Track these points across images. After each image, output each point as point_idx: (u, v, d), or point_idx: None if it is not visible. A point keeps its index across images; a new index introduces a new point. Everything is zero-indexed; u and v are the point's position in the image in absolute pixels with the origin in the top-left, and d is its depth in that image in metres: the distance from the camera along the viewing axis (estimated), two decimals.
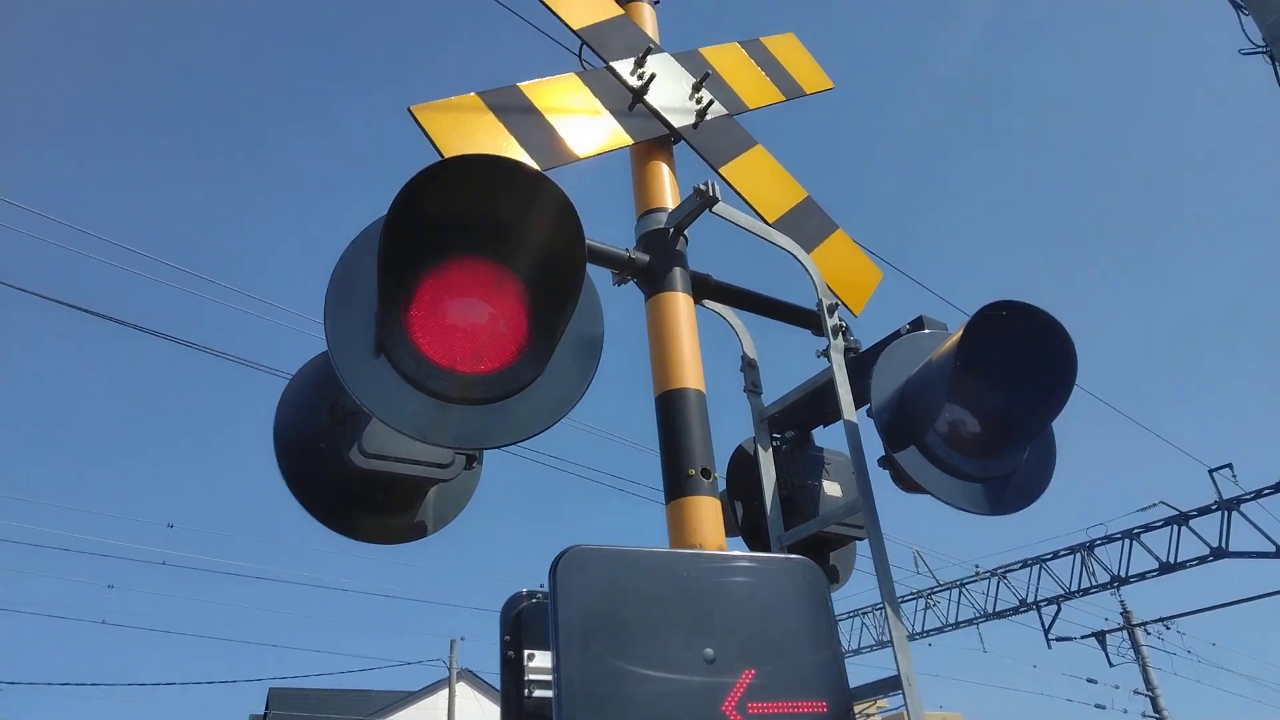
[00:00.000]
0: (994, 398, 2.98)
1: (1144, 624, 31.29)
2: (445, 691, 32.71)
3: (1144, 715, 31.59)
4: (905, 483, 2.92)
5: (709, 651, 2.21)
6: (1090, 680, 34.00)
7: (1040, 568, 22.94)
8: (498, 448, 2.20)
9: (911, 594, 24.08)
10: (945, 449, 2.81)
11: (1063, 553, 22.89)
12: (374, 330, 2.17)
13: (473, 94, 2.92)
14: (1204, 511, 20.46)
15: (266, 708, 43.98)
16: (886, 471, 3.02)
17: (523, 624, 2.52)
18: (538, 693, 2.42)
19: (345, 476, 2.57)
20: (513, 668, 2.46)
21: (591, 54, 3.50)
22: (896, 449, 2.80)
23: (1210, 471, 20.83)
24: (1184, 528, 20.64)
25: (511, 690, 2.43)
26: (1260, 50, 7.95)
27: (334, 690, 40.87)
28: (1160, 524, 21.13)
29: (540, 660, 2.47)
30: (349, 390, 2.12)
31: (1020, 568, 23.33)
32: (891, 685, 2.55)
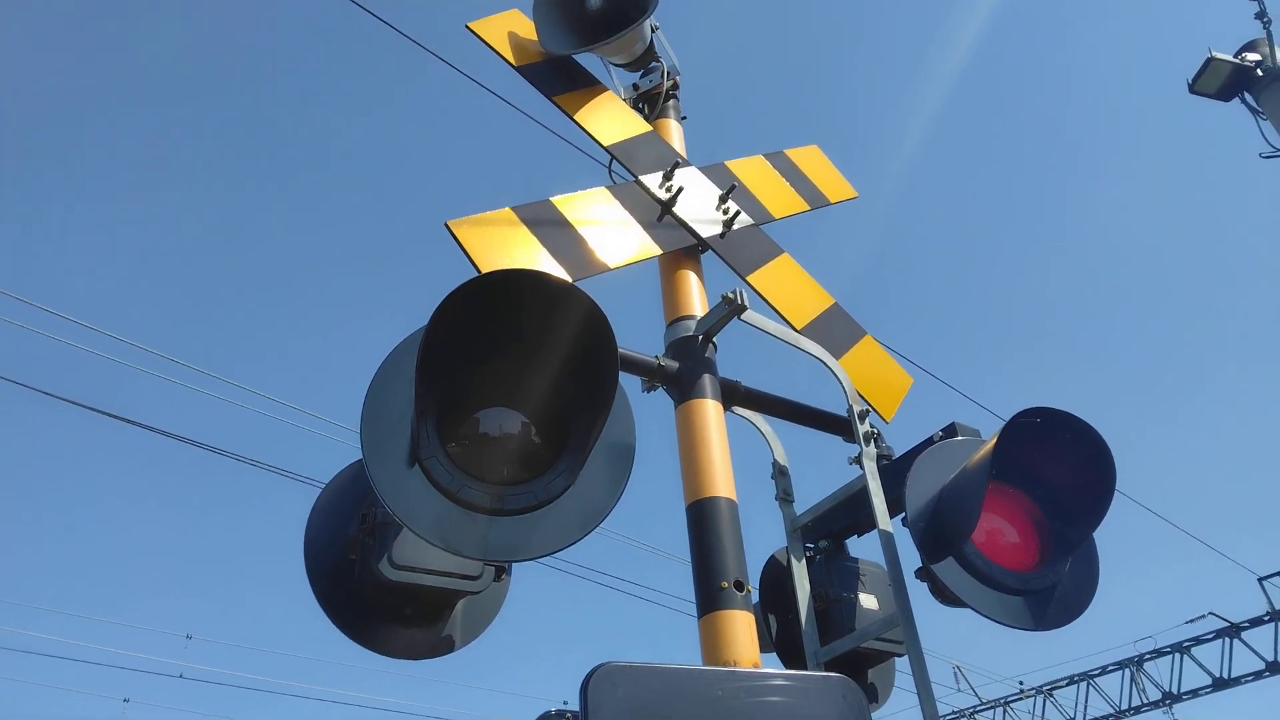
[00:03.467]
0: (1032, 507, 2.92)
1: None
2: None
3: None
4: (944, 596, 2.84)
5: None
6: None
7: (1088, 684, 21.92)
8: (528, 560, 2.18)
9: (953, 713, 23.00)
10: (984, 560, 2.74)
11: (1111, 668, 21.88)
12: (409, 441, 2.19)
13: (507, 209, 3.02)
14: (1256, 623, 19.60)
15: None
16: (924, 583, 2.94)
17: None
18: None
19: (374, 589, 2.55)
20: None
21: (621, 168, 3.63)
22: (934, 560, 2.73)
23: (1260, 580, 20.04)
24: (1236, 640, 19.75)
25: None
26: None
27: None
28: (1211, 636, 20.22)
29: None
30: (382, 500, 2.13)
31: (1067, 684, 22.30)
32: None
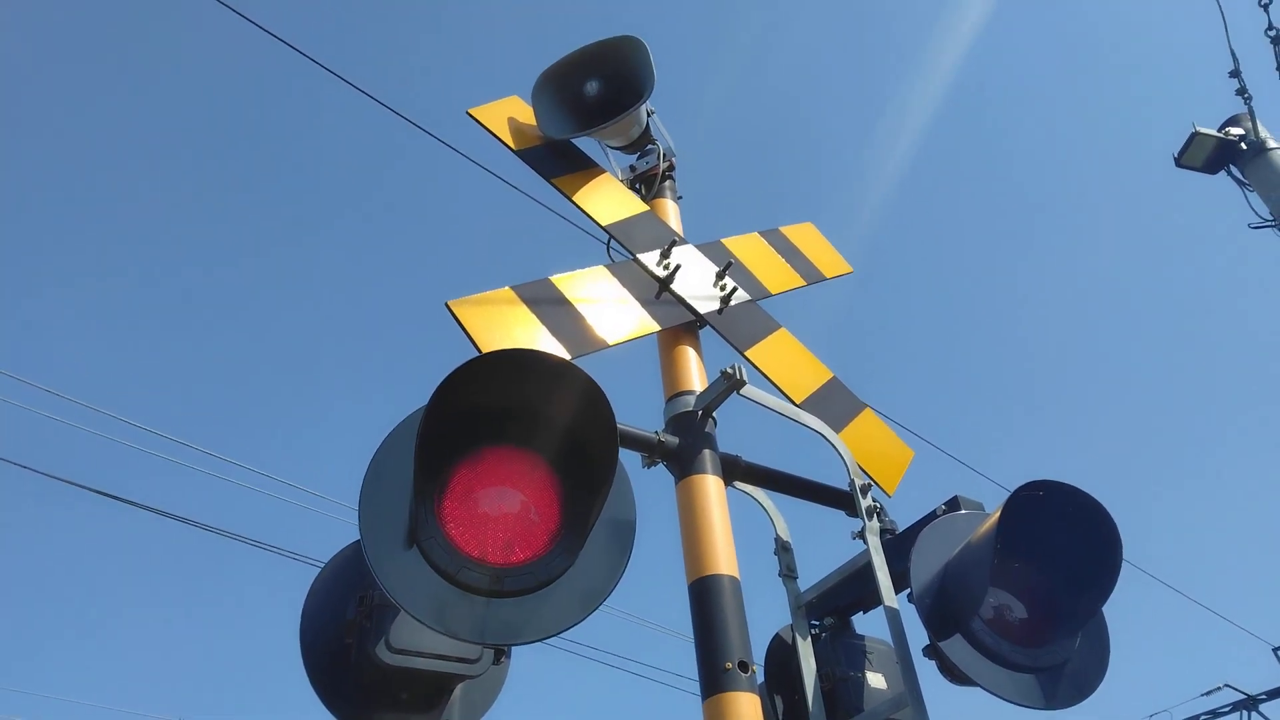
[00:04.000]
0: (1039, 581, 2.88)
1: None
2: None
3: None
4: (953, 674, 2.78)
5: None
6: None
7: None
8: (529, 643, 2.14)
9: None
10: (993, 637, 2.70)
11: None
12: (407, 521, 2.18)
13: (507, 288, 3.07)
14: (1273, 695, 19.14)
15: None
16: (932, 661, 2.88)
17: None
18: None
19: (371, 673, 2.50)
20: None
21: (619, 247, 3.69)
22: (941, 637, 2.69)
23: (1275, 650, 19.64)
24: (1254, 712, 19.24)
25: None
26: (1269, 224, 8.21)
27: None
28: (1228, 709, 19.71)
29: None
30: (379, 583, 2.10)
31: None
32: None
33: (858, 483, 3.26)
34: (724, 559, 2.84)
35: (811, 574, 3.34)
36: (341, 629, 2.58)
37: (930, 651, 2.85)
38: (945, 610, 2.74)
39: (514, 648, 2.80)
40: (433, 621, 2.04)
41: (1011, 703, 2.62)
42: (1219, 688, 20.52)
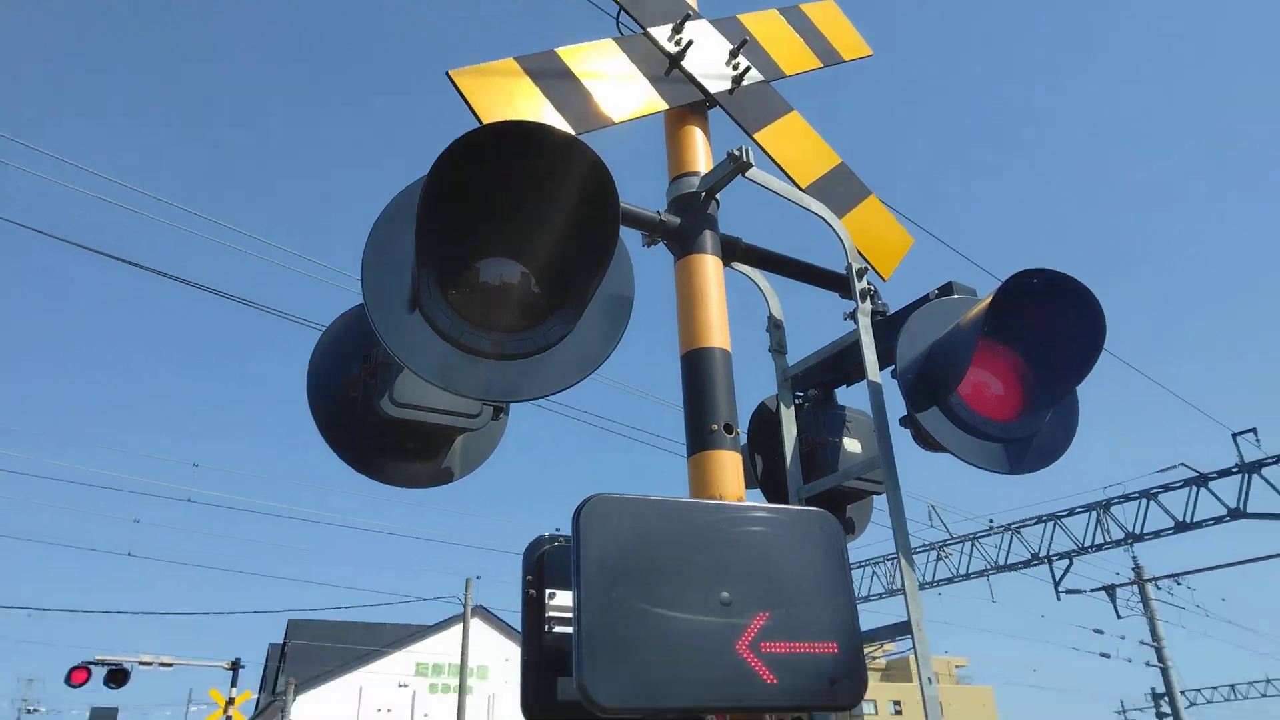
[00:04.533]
0: (1020, 362, 3.02)
1: (1155, 579, 31.48)
2: (459, 627, 33.60)
3: (1147, 664, 31.95)
4: (926, 442, 2.99)
5: (725, 595, 2.32)
6: (1097, 631, 34.36)
7: (1055, 524, 23.08)
8: (527, 401, 2.28)
9: (924, 545, 24.32)
10: (968, 410, 2.87)
11: (1079, 510, 22.99)
12: (410, 287, 2.25)
13: (510, 59, 2.94)
14: (1224, 474, 20.45)
15: (286, 637, 45.43)
16: (907, 430, 3.09)
17: (545, 565, 2.64)
18: (558, 629, 2.55)
19: (375, 424, 2.67)
20: (534, 605, 2.58)
21: (629, 19, 3.50)
22: (919, 409, 2.86)
23: (1234, 435, 20.75)
24: (1203, 489, 20.65)
25: (533, 626, 2.55)
26: None
27: (351, 623, 42.15)
28: (1179, 485, 21.14)
29: (561, 599, 2.59)
30: (384, 344, 2.21)
31: (1035, 523, 23.47)
32: (901, 630, 2.65)
33: (854, 266, 3.32)
34: (717, 333, 2.95)
35: (801, 353, 3.48)
36: (347, 384, 2.74)
37: (906, 421, 3.04)
38: (926, 385, 2.90)
39: (513, 405, 2.99)
40: (435, 378, 2.17)
41: (977, 467, 2.84)
42: (1175, 466, 21.86)
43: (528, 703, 2.49)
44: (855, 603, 2.53)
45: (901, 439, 3.06)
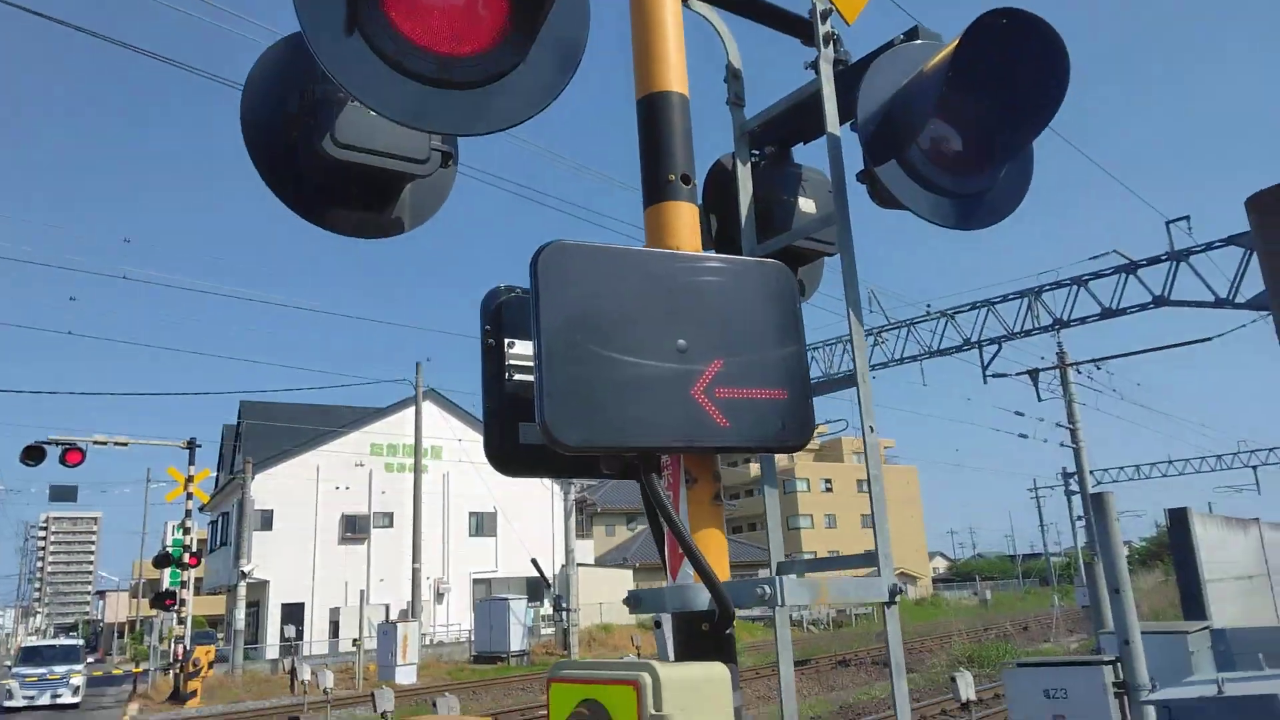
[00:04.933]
0: (979, 113, 2.94)
1: (1077, 364, 33.44)
2: (410, 410, 34.50)
3: (1061, 444, 34.64)
4: (881, 197, 2.95)
5: (681, 342, 2.34)
6: (1018, 413, 36.83)
7: (988, 310, 23.99)
8: (480, 134, 2.15)
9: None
10: (926, 164, 2.82)
11: (1011, 296, 23.87)
12: (344, 6, 2.04)
13: None
14: (1154, 261, 21.19)
15: (239, 418, 46.27)
16: (863, 186, 3.04)
17: (502, 315, 2.62)
18: (518, 376, 2.57)
19: (319, 168, 2.53)
20: (493, 354, 2.58)
21: None
22: (878, 162, 2.80)
23: (1167, 223, 21.33)
24: (1132, 276, 21.45)
25: (493, 374, 2.57)
26: None
27: (303, 405, 42.93)
28: (1110, 271, 21.92)
29: (520, 349, 2.59)
30: (328, 71, 2.02)
31: (969, 309, 24.35)
32: (848, 381, 2.74)
33: (819, 8, 3.12)
34: (675, 76, 2.79)
35: (758, 107, 3.33)
36: (283, 124, 2.55)
37: (863, 176, 2.98)
38: (886, 137, 2.82)
39: (460, 160, 2.84)
40: (382, 108, 2.02)
41: (932, 222, 2.83)
42: (1107, 253, 22.56)
43: (492, 447, 2.55)
44: (805, 353, 2.58)
45: (855, 196, 3.01)
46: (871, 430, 2.66)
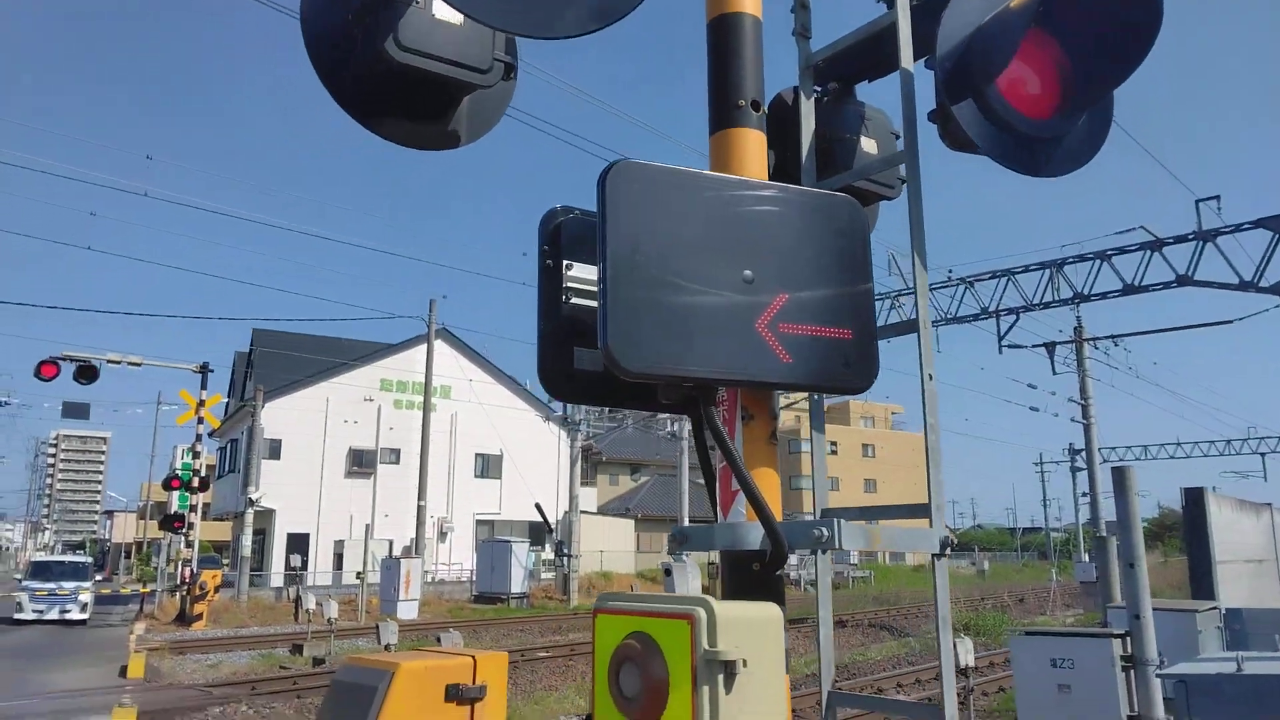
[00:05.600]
0: (1062, 58, 2.81)
1: (1095, 339, 33.19)
2: (421, 347, 34.48)
3: (1072, 420, 34.55)
4: (954, 138, 2.83)
5: (747, 273, 2.26)
6: (1030, 385, 36.67)
7: (1008, 280, 23.73)
8: (549, 38, 2.05)
9: (880, 294, 25.02)
10: (1004, 104, 2.69)
11: (1033, 267, 23.58)
12: None
13: None
14: (1180, 240, 20.85)
15: (251, 345, 46.46)
16: (934, 125, 2.92)
17: (561, 235, 2.54)
18: (575, 300, 2.49)
19: (379, 71, 2.43)
20: (551, 275, 2.50)
21: None
22: (955, 100, 2.68)
23: (1197, 202, 20.94)
24: (1157, 254, 21.12)
25: (550, 297, 2.49)
26: None
27: (316, 336, 43.05)
28: (1134, 248, 21.59)
29: (578, 271, 2.51)
30: None
31: (989, 278, 24.09)
32: (907, 327, 2.65)
33: None
34: None
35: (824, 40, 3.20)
36: (345, 22, 2.45)
37: (936, 115, 2.86)
38: (964, 74, 2.69)
39: (520, 74, 2.73)
40: (461, 4, 1.91)
41: (1007, 167, 2.72)
42: (1133, 229, 22.21)
43: (545, 371, 2.48)
44: (873, 292, 2.49)
45: (926, 135, 2.89)
46: (930, 379, 2.58)
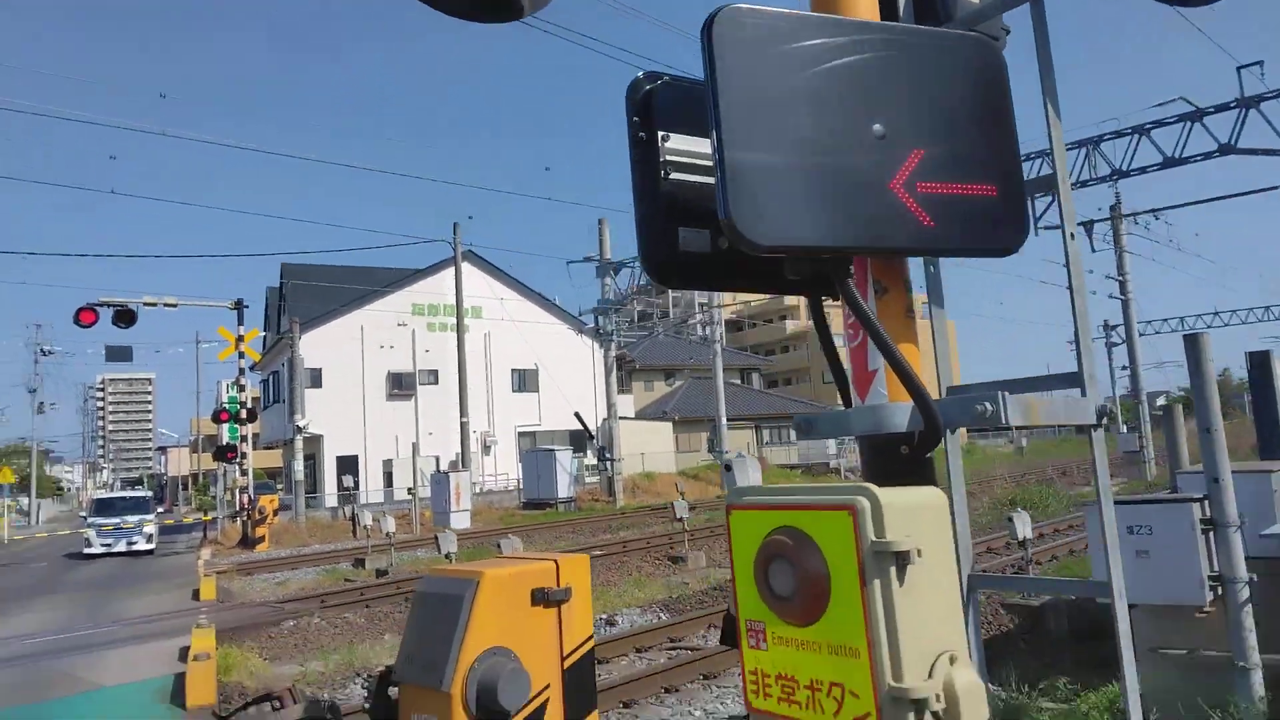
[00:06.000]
0: None
1: (1135, 214, 32.17)
2: (450, 270, 34.26)
3: (1110, 296, 33.84)
4: None
5: (878, 127, 2.00)
6: (1066, 265, 35.78)
7: (1043, 160, 22.81)
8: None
9: None
10: None
11: (1069, 146, 22.63)
12: None
13: None
14: (1221, 109, 19.82)
15: (281, 279, 46.58)
16: None
17: (653, 103, 2.28)
18: (674, 175, 2.25)
19: None
20: (646, 150, 2.26)
21: None
22: None
23: (1239, 69, 19.79)
24: (1198, 124, 20.11)
25: (647, 174, 2.26)
26: None
27: (343, 266, 43.01)
28: (1174, 119, 20.58)
29: (676, 142, 2.26)
30: None
31: (1024, 160, 23.20)
32: (1044, 184, 2.40)
33: None
34: None
35: None
36: None
37: None
38: None
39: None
40: None
41: None
42: (1173, 100, 21.13)
43: (648, 256, 2.26)
44: (1017, 141, 2.22)
45: None
46: (1073, 237, 2.33)
